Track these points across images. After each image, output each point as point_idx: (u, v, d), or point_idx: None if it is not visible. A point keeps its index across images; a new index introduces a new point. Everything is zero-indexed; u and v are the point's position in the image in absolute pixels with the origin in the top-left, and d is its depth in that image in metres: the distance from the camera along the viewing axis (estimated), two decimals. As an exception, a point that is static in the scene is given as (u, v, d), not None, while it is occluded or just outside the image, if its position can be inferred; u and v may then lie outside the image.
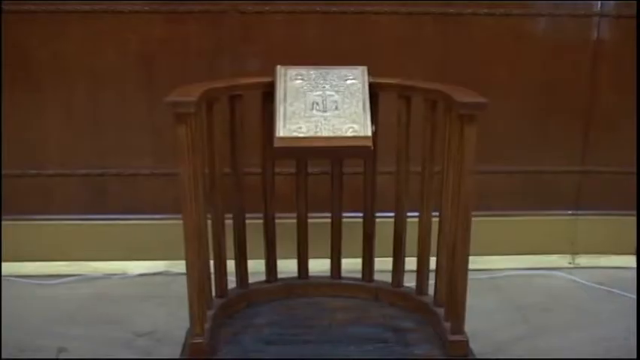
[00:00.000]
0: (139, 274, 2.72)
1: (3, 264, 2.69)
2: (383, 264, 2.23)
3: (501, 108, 2.66)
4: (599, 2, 2.68)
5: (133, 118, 2.68)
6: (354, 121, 1.93)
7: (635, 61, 2.69)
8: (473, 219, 1.83)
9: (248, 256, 2.18)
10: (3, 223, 2.71)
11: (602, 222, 2.89)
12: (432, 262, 2.07)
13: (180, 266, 1.91)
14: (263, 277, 2.24)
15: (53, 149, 2.72)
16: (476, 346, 1.96)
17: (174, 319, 2.32)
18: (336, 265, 2.26)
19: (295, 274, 2.26)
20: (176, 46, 2.61)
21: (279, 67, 2.03)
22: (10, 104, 2.66)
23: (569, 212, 2.89)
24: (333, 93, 1.99)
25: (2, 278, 2.62)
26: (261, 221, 2.16)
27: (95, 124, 2.69)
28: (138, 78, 2.65)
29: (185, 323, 1.91)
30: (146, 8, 2.58)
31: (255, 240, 2.17)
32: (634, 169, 2.80)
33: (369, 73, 2.03)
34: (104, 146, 2.72)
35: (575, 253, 2.90)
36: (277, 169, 2.12)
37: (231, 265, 2.14)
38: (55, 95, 2.66)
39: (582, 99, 2.77)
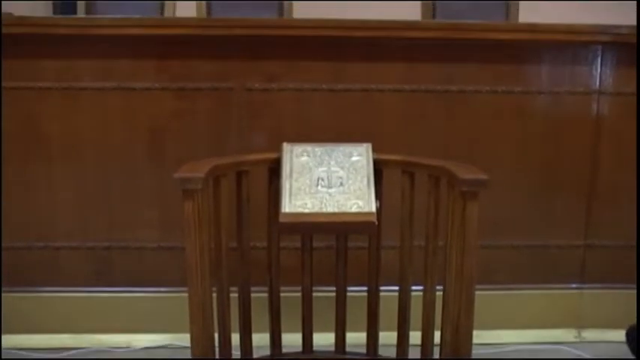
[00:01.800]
0: (143, 347, 2.72)
1: (8, 336, 2.69)
2: (387, 338, 2.24)
3: (504, 183, 2.69)
4: (598, 80, 2.74)
5: (141, 192, 2.71)
6: (358, 197, 1.97)
7: (636, 137, 2.74)
8: (477, 293, 1.84)
9: (253, 329, 2.18)
10: (9, 295, 2.72)
11: (608, 295, 2.88)
12: (437, 336, 2.07)
13: (184, 339, 1.93)
14: (267, 351, 2.24)
15: (61, 222, 2.75)
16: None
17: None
18: (340, 339, 2.26)
19: (300, 348, 2.26)
20: (185, 121, 2.67)
21: (285, 144, 2.08)
22: (21, 177, 2.70)
23: (574, 286, 2.89)
24: (338, 169, 2.03)
25: (7, 351, 2.62)
26: (266, 295, 2.18)
27: (103, 197, 2.73)
28: (147, 152, 2.69)
29: (189, 398, 1.91)
30: (156, 85, 2.64)
31: (259, 313, 2.17)
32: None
33: (374, 150, 2.07)
34: (112, 219, 2.75)
35: (580, 327, 2.88)
36: (283, 244, 2.15)
37: (235, 338, 2.14)
38: (64, 169, 2.71)
39: (584, 174, 2.80)
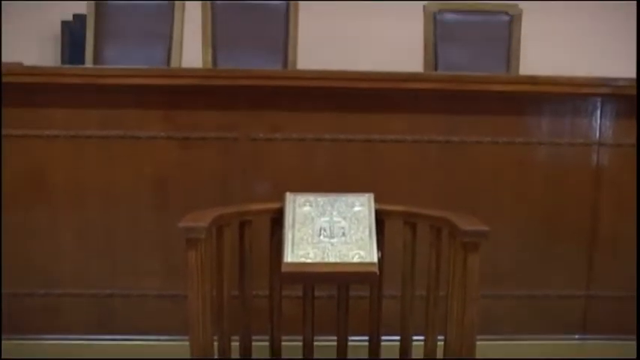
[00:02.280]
0: (144, 395, 2.71)
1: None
2: (389, 388, 2.23)
3: (506, 232, 2.70)
4: (598, 131, 2.77)
5: (144, 240, 2.73)
6: (360, 248, 1.98)
7: (636, 188, 2.76)
8: (478, 343, 1.85)
9: (253, 378, 2.18)
10: (10, 341, 2.72)
11: (609, 346, 2.87)
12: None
13: (186, 389, 1.92)
14: (268, 401, 2.23)
15: (64, 269, 2.75)
16: None
17: None
18: (341, 390, 2.26)
19: (301, 398, 2.25)
20: (189, 170, 2.69)
21: (288, 193, 2.11)
22: (24, 223, 2.71)
23: (576, 337, 2.88)
24: (340, 219, 2.05)
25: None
26: (267, 343, 2.18)
27: (107, 244, 2.74)
28: (151, 201, 2.71)
29: None
30: (162, 134, 2.68)
31: (260, 362, 2.17)
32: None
33: (376, 200, 2.10)
34: (114, 266, 2.75)
35: (582, 377, 2.87)
36: (284, 292, 2.16)
37: (236, 388, 2.14)
38: (68, 215, 2.72)
39: (585, 224, 2.81)
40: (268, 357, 2.20)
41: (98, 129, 2.69)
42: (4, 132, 2.66)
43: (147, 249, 2.74)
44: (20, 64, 2.69)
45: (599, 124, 2.76)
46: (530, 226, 2.79)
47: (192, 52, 3.80)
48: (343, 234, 2.01)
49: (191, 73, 2.79)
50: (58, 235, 2.74)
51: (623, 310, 2.85)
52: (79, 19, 4.28)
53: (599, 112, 2.76)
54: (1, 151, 2.66)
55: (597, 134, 2.77)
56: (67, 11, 4.66)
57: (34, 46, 4.85)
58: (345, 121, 2.68)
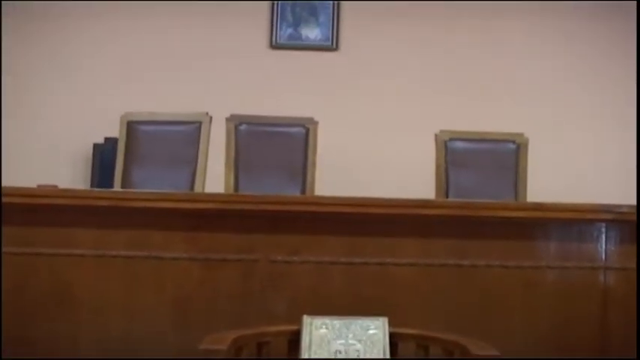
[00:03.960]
0: None
1: None
2: None
3: (515, 353, 2.72)
4: (604, 255, 2.85)
5: (165, 358, 2.78)
6: (374, 371, 2.05)
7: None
8: None
9: None
10: None
11: None
12: None
13: None
14: None
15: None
16: None
17: None
18: None
19: None
20: (210, 290, 2.77)
21: (305, 316, 2.19)
22: (46, 338, 2.76)
23: None
24: (355, 342, 2.13)
25: None
26: None
27: (127, 362, 2.80)
28: (172, 319, 2.77)
29: None
30: (185, 255, 2.78)
31: None
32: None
33: (390, 323, 2.18)
34: (134, 384, 2.80)
35: None
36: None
37: None
38: (90, 332, 2.77)
39: (594, 345, 2.83)
40: None
41: (124, 249, 2.79)
42: (35, 250, 2.77)
43: (167, 367, 2.79)
44: (55, 187, 2.85)
45: (605, 249, 2.84)
46: (539, 346, 2.81)
47: (215, 172, 3.99)
48: (358, 356, 2.08)
49: (213, 197, 2.94)
50: (80, 351, 2.78)
51: None
52: (110, 141, 4.52)
53: (604, 236, 2.84)
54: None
55: (603, 258, 2.84)
56: (99, 134, 4.94)
57: (66, 166, 5.10)
58: (359, 245, 2.79)
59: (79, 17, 5.45)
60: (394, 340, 2.17)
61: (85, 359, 2.75)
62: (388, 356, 2.09)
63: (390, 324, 2.20)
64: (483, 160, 3.96)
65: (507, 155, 3.97)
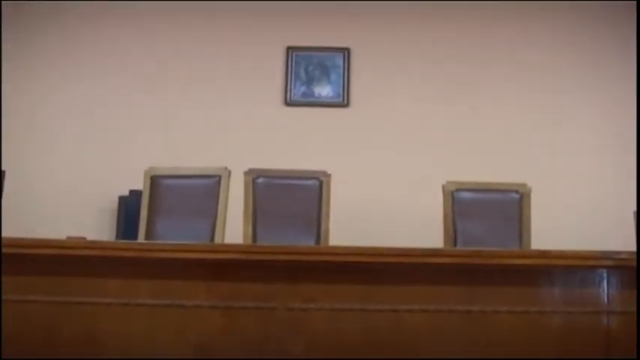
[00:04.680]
0: None
1: None
2: None
3: (524, 397, 2.84)
4: (606, 300, 2.95)
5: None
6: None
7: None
8: None
9: None
10: None
11: None
12: None
13: None
14: None
15: None
16: None
17: None
18: None
19: None
20: (230, 337, 2.88)
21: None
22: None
23: None
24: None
25: None
26: None
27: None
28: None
29: None
30: (206, 303, 2.90)
31: None
32: None
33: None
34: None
35: None
36: None
37: None
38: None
39: (599, 386, 2.94)
40: None
41: (148, 297, 2.90)
42: (64, 299, 2.89)
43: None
44: (83, 239, 3.01)
45: (607, 293, 2.93)
46: (547, 391, 2.92)
47: (234, 223, 4.15)
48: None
49: (232, 248, 3.06)
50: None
51: None
52: (135, 194, 4.71)
53: (605, 282, 2.94)
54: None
55: (606, 302, 2.93)
56: (124, 186, 5.13)
57: (93, 218, 5.28)
58: (373, 293, 2.90)
59: (110, 76, 5.80)
60: (406, 382, 2.26)
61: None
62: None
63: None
64: (489, 209, 4.12)
65: (511, 204, 4.13)
